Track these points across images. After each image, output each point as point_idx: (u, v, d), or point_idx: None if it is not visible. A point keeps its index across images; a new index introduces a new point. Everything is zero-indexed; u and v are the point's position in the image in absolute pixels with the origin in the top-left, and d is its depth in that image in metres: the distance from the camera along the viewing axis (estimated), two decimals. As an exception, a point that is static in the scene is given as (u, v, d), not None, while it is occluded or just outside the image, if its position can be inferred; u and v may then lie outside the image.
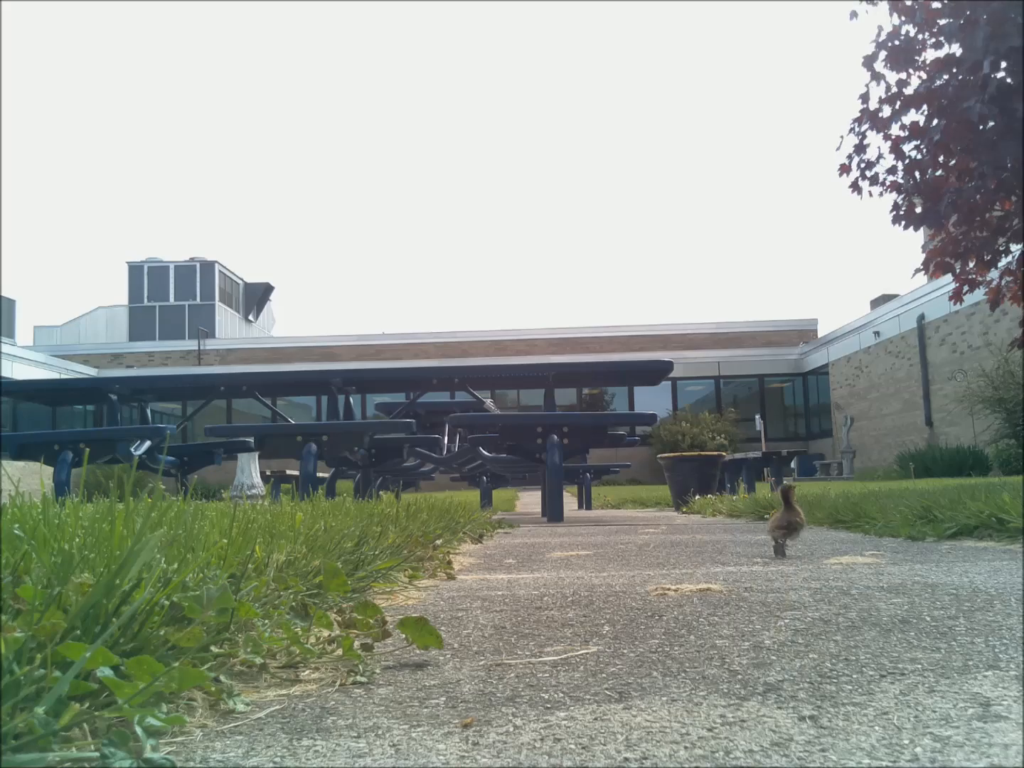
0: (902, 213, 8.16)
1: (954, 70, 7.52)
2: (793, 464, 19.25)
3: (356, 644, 1.41)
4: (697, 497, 8.11)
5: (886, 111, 8.10)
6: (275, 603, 1.46)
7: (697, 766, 0.82)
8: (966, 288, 8.45)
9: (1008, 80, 7.21)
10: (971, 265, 8.23)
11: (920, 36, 7.83)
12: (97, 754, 0.80)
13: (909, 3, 7.86)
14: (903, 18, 7.88)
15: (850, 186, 8.41)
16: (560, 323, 32.68)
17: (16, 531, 1.45)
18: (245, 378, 9.09)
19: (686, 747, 0.88)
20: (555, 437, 6.46)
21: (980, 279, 8.41)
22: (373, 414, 22.59)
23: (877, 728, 0.93)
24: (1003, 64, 7.13)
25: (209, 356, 30.33)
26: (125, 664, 0.96)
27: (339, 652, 1.32)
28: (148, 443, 6.82)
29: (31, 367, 24.53)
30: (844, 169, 8.41)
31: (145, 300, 35.42)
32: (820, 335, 28.02)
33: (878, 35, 8.07)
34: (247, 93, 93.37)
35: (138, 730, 0.85)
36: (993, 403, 14.76)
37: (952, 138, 7.61)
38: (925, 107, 7.89)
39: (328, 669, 1.29)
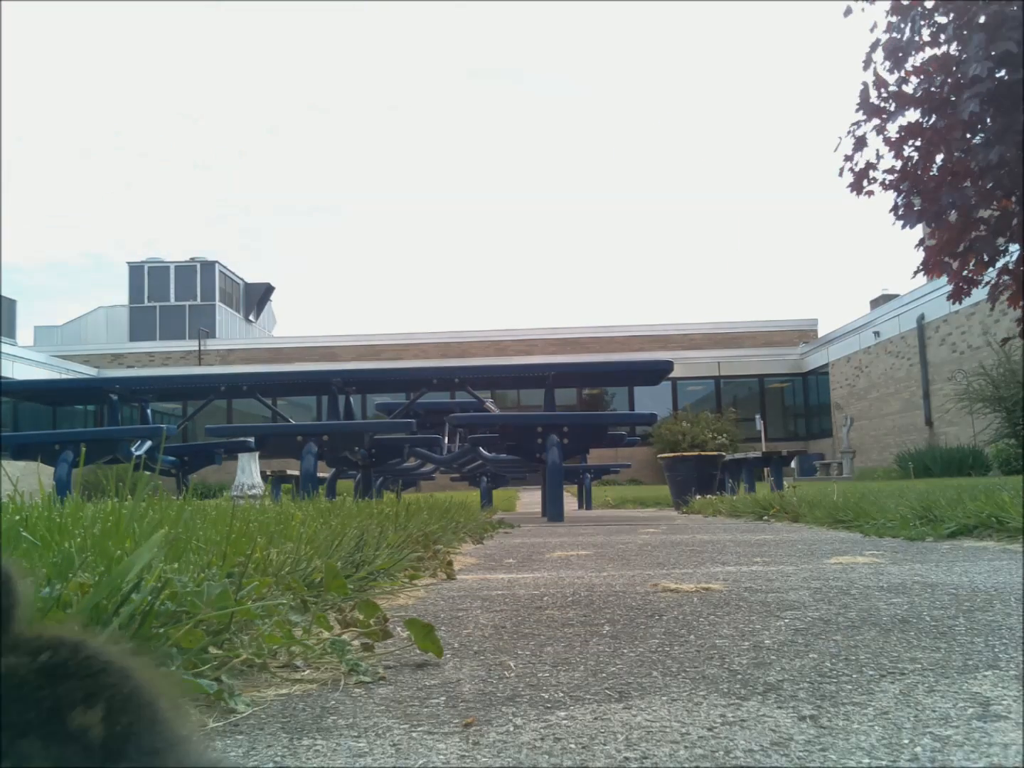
0: (901, 212, 8.17)
1: (953, 69, 7.52)
2: (793, 464, 19.25)
3: (356, 644, 1.42)
4: (697, 497, 8.12)
5: (884, 111, 8.11)
6: (275, 603, 1.46)
7: (697, 766, 0.82)
8: (965, 287, 8.46)
9: (1006, 79, 7.21)
10: (971, 264, 8.23)
11: (916, 37, 7.84)
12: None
13: (906, 2, 7.86)
14: (900, 17, 7.89)
15: (849, 186, 8.41)
16: (560, 323, 32.68)
17: (22, 532, 1.45)
18: (245, 378, 9.09)
19: (686, 747, 0.88)
20: (555, 437, 6.46)
21: (978, 278, 8.42)
22: (373, 414, 22.59)
23: (877, 728, 0.93)
24: (1000, 64, 7.13)
25: (209, 356, 30.33)
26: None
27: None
28: (148, 443, 6.82)
29: (32, 367, 24.54)
30: (843, 169, 8.41)
31: (146, 300, 35.42)
32: (820, 335, 28.02)
33: (875, 33, 8.08)
34: (249, 92, 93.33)
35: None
36: (993, 402, 14.76)
37: (948, 138, 7.62)
38: (922, 106, 7.90)
39: (328, 669, 1.29)
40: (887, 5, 8.00)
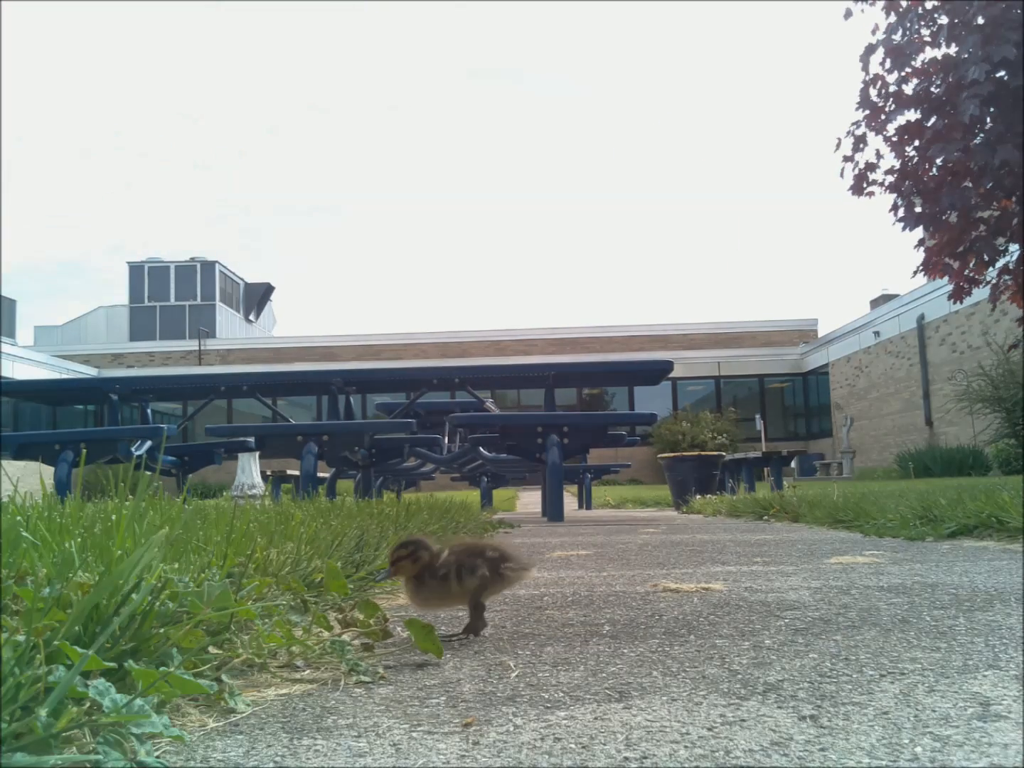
0: (901, 214, 8.17)
1: (952, 70, 7.52)
2: (793, 464, 19.25)
3: (356, 644, 1.42)
4: (697, 497, 8.11)
5: (883, 112, 8.11)
6: (275, 603, 1.46)
7: (697, 766, 0.82)
8: (965, 286, 8.46)
9: (1006, 81, 7.21)
10: (972, 264, 8.23)
11: (915, 38, 7.84)
12: (96, 756, 0.80)
13: (904, 3, 7.86)
14: (899, 18, 7.90)
15: (850, 188, 8.41)
16: (560, 323, 32.70)
17: (24, 533, 1.45)
18: (246, 378, 9.09)
19: (686, 747, 0.88)
20: (555, 437, 6.46)
21: (978, 277, 8.42)
22: (373, 414, 22.59)
23: (877, 728, 0.93)
24: (999, 67, 7.13)
25: (210, 356, 30.33)
26: (127, 665, 0.96)
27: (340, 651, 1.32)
28: (149, 443, 6.82)
29: (32, 367, 24.53)
30: (843, 170, 8.41)
31: (146, 300, 35.43)
32: (820, 335, 28.03)
33: (875, 35, 8.08)
34: (249, 92, 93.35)
35: (133, 731, 0.85)
36: (993, 402, 14.76)
37: (948, 138, 7.62)
38: (922, 107, 7.91)
39: (328, 669, 1.29)
40: (886, 6, 8.01)
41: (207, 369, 28.70)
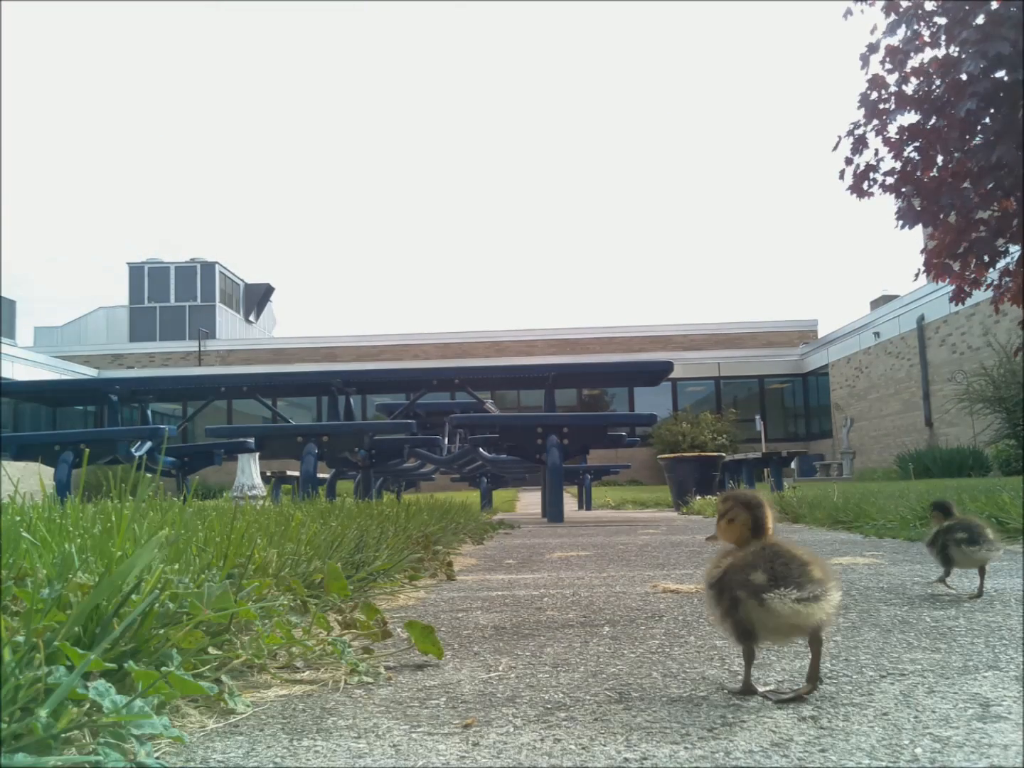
0: (902, 213, 8.17)
1: (952, 70, 7.52)
2: (793, 465, 19.24)
3: (356, 645, 1.42)
4: (697, 498, 8.11)
5: (884, 111, 8.11)
6: (275, 604, 1.46)
7: (697, 766, 0.82)
8: (967, 288, 8.45)
9: (1005, 80, 7.21)
10: (972, 265, 8.22)
11: (915, 39, 7.84)
12: (96, 757, 0.80)
13: (904, 3, 7.86)
14: (898, 18, 7.89)
15: (849, 188, 8.40)
16: (560, 324, 32.68)
17: (24, 534, 1.45)
18: (246, 379, 9.08)
19: (686, 747, 0.88)
20: (555, 438, 6.46)
21: (981, 278, 8.41)
22: (373, 415, 22.59)
23: (877, 728, 0.93)
24: (997, 64, 7.14)
25: (210, 357, 30.33)
26: (128, 666, 0.96)
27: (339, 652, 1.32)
28: (148, 444, 6.81)
29: (32, 368, 24.52)
30: (843, 172, 8.41)
31: (146, 301, 35.43)
32: (820, 336, 28.02)
33: (875, 35, 8.08)
34: (249, 94, 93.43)
35: (133, 732, 0.85)
36: (993, 403, 14.74)
37: (947, 138, 7.62)
38: (922, 107, 7.90)
39: (328, 670, 1.29)
40: (886, 6, 8.01)
41: (207, 370, 28.68)
